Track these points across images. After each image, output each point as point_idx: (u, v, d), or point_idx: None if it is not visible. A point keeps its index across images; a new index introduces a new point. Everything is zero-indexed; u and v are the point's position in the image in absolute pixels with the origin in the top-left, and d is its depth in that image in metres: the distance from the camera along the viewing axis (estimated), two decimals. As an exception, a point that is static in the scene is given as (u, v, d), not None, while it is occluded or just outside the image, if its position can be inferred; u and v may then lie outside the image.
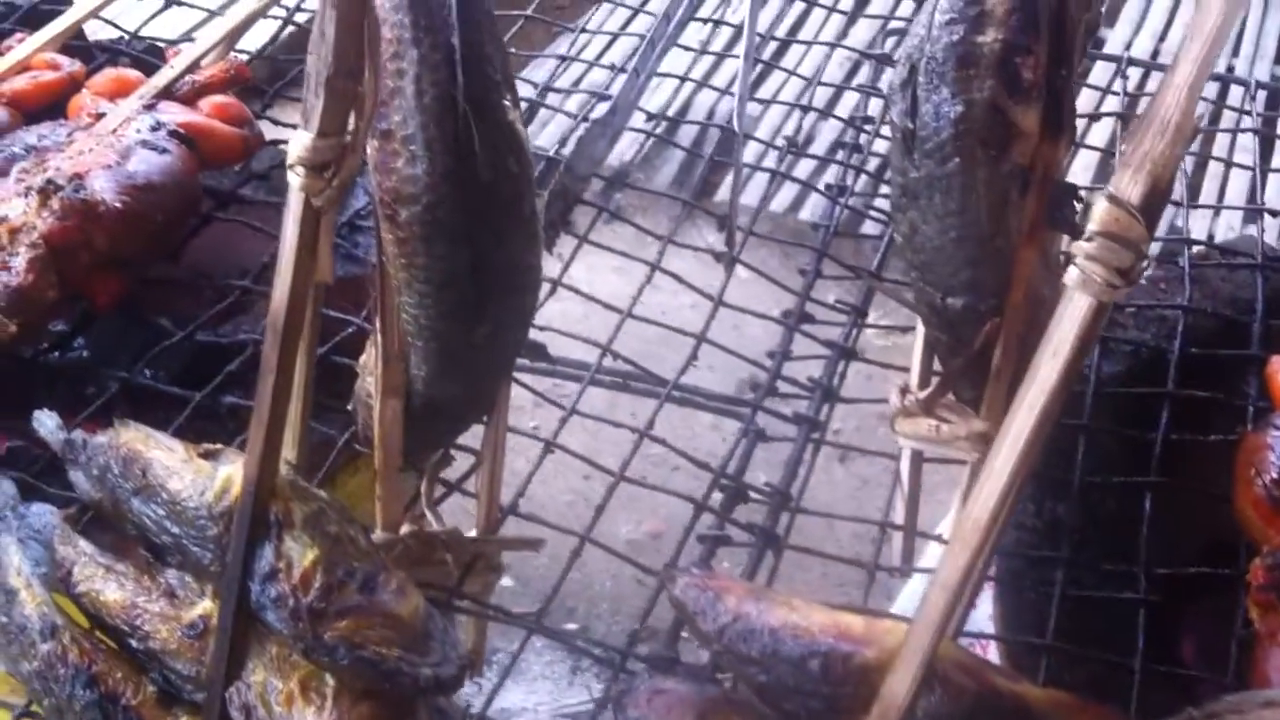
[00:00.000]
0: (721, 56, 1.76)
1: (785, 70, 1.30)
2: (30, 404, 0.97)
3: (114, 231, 0.92)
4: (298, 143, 0.61)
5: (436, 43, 0.71)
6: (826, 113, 1.22)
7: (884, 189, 1.09)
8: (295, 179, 0.62)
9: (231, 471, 0.66)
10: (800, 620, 0.62)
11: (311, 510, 0.65)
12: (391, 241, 0.74)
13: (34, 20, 1.16)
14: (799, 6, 1.37)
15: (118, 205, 0.91)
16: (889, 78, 1.13)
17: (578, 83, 1.78)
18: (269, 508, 0.64)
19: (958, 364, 0.85)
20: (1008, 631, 0.83)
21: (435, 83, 0.71)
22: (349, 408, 0.85)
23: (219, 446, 0.69)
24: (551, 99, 1.23)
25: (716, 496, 0.87)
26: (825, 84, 1.23)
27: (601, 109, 1.08)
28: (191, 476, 0.67)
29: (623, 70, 1.13)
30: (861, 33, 2.03)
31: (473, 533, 0.83)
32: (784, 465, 0.90)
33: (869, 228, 1.12)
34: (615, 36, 1.67)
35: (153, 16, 1.22)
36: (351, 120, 0.63)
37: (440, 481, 0.86)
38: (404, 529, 0.80)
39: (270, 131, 1.10)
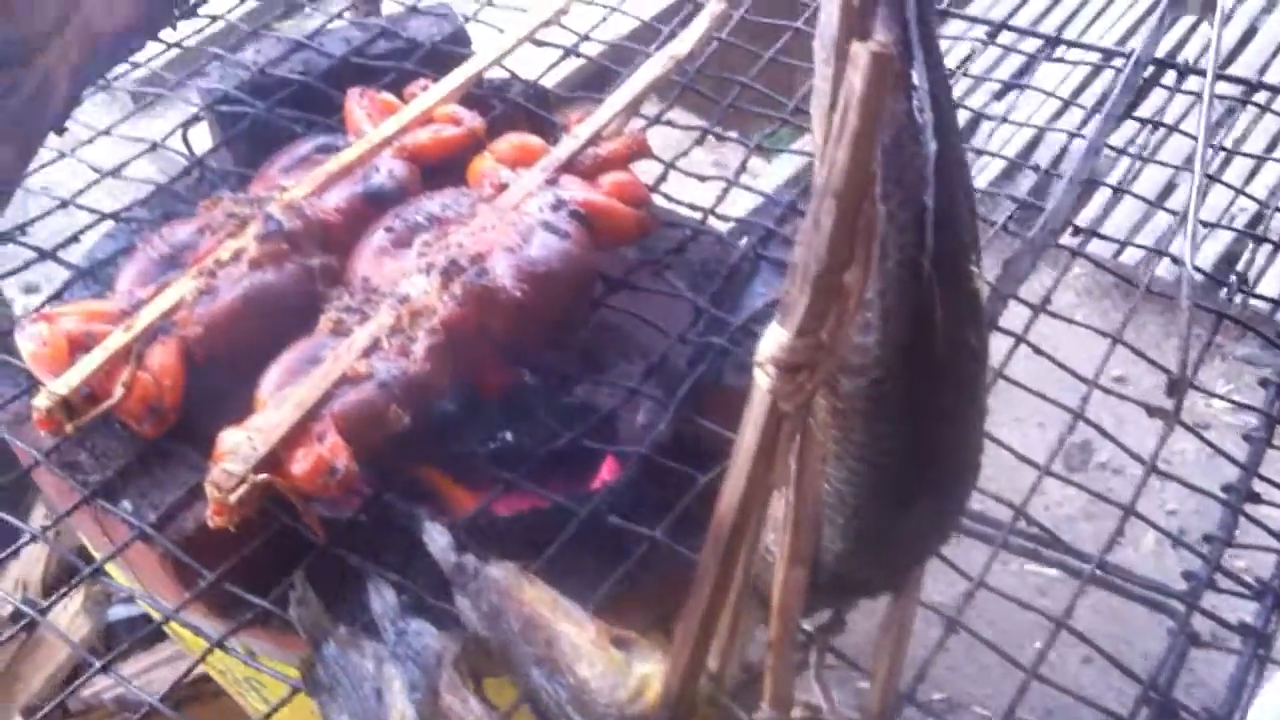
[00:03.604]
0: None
1: (1232, 188, 1.14)
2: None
3: (510, 321, 0.88)
4: (772, 340, 0.54)
5: (907, 199, 0.63)
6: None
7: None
8: (764, 379, 0.55)
9: (649, 672, 0.60)
10: None
11: (730, 736, 0.58)
12: (826, 409, 0.66)
13: (435, 62, 1.13)
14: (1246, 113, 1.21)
15: (517, 294, 0.87)
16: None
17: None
18: (687, 727, 0.58)
19: None
20: None
21: (901, 246, 0.63)
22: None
23: (633, 635, 0.64)
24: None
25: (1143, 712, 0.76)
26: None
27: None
28: (603, 667, 0.62)
29: (1048, 172, 1.02)
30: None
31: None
32: (1220, 677, 0.78)
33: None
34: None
35: (550, 67, 1.18)
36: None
37: (831, 651, 0.79)
38: (795, 713, 0.73)
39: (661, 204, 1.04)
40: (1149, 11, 2.50)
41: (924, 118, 0.63)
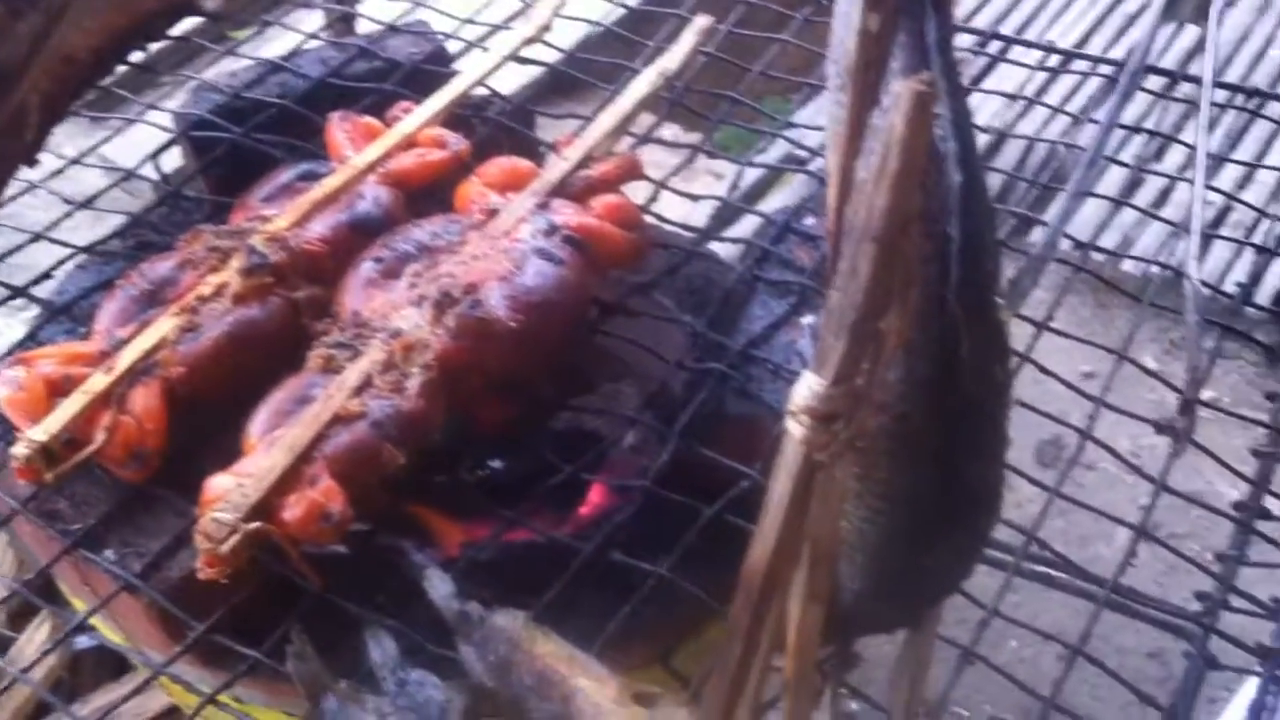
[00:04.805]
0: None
1: (1225, 194, 1.13)
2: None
3: (506, 353, 0.85)
4: (805, 389, 0.52)
5: (931, 231, 0.61)
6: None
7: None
8: (797, 429, 0.52)
9: (674, 730, 0.58)
10: None
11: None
12: (847, 446, 0.64)
13: (416, 82, 1.10)
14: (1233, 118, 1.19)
15: (512, 325, 0.85)
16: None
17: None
18: (718, 788, 0.55)
19: None
20: None
21: (926, 278, 0.61)
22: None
23: (655, 690, 0.61)
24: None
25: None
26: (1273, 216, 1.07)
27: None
28: (625, 726, 0.59)
29: (1046, 185, 1.00)
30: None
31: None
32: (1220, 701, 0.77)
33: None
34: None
35: (538, 92, 1.15)
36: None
37: (846, 686, 0.77)
38: (815, 754, 0.71)
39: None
40: (1107, 14, 2.49)
41: (947, 147, 0.61)
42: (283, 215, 0.93)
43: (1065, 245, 0.97)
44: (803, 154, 1.24)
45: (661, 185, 1.04)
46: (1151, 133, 1.12)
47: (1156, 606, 0.90)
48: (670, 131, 1.66)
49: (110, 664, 1.50)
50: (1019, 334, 0.94)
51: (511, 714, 0.67)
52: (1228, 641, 0.79)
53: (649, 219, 1.02)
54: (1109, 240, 1.95)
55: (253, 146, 1.05)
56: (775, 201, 2.05)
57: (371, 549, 0.86)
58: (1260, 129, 2.02)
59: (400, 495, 0.92)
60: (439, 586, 0.73)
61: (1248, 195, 1.89)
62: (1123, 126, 1.03)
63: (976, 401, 0.63)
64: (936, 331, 0.61)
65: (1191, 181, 0.95)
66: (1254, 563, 0.83)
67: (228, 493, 0.76)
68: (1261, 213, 1.15)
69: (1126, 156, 1.65)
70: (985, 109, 2.17)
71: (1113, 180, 1.88)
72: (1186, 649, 0.79)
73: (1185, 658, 0.78)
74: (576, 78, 1.19)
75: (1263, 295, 1.82)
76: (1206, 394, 1.83)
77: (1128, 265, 1.89)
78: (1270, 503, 0.86)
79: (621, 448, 0.91)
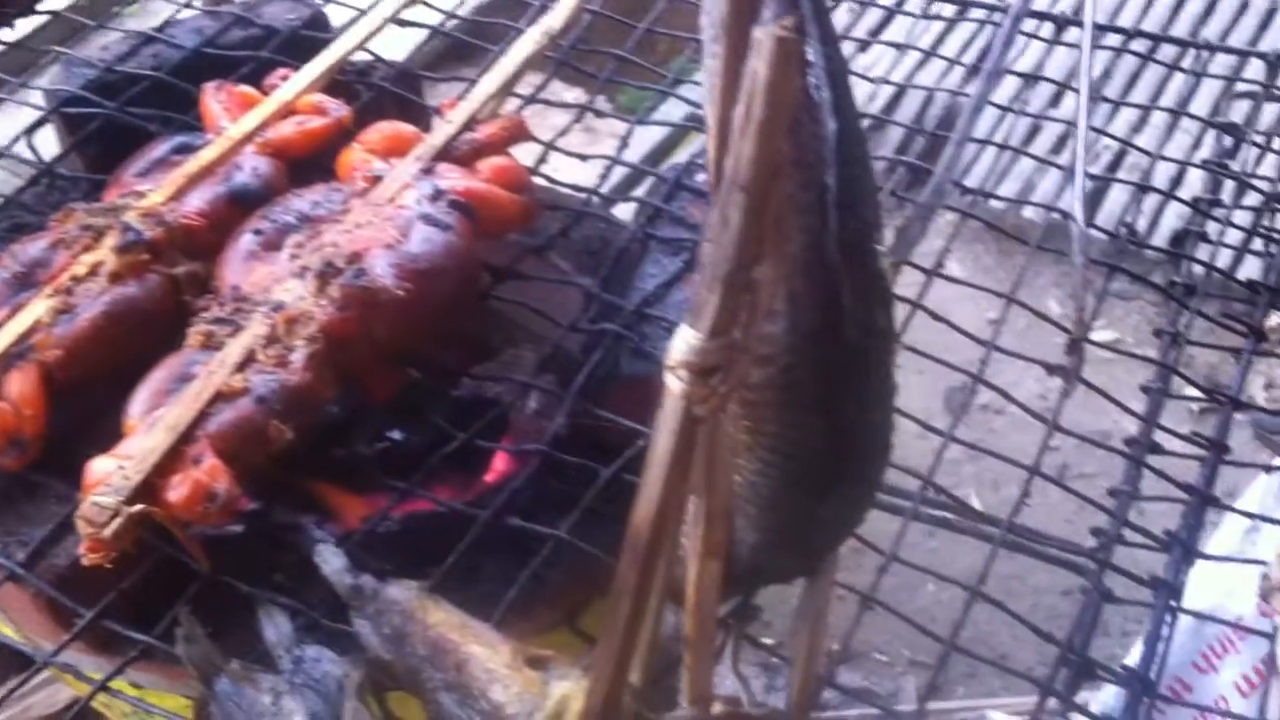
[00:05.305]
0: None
1: (1118, 139, 1.14)
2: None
3: (395, 322, 0.84)
4: (683, 343, 0.51)
5: (809, 180, 0.60)
6: (1168, 193, 1.07)
7: (1241, 291, 0.95)
8: (676, 384, 0.52)
9: (567, 692, 0.57)
10: None
11: (659, 754, 0.56)
12: (735, 400, 0.64)
13: (294, 49, 1.08)
14: (1126, 63, 1.21)
15: (400, 293, 0.83)
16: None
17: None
18: (613, 749, 0.55)
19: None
20: None
21: (805, 228, 0.60)
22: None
23: (548, 654, 0.61)
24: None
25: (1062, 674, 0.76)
26: (1164, 158, 1.08)
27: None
28: (518, 689, 0.59)
29: (934, 134, 1.00)
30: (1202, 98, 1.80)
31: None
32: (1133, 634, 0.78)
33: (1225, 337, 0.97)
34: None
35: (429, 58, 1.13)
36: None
37: (747, 639, 0.77)
38: (715, 708, 0.71)
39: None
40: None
41: (821, 95, 0.60)
42: (158, 190, 0.90)
43: (957, 193, 0.97)
44: (704, 113, 1.24)
45: (550, 146, 1.02)
46: (1038, 78, 1.12)
47: (1055, 545, 0.91)
48: (573, 94, 1.65)
49: (17, 658, 1.46)
50: (914, 282, 0.94)
51: (408, 685, 0.66)
52: (1122, 575, 0.81)
53: (541, 181, 1.01)
54: (1010, 188, 1.97)
55: (127, 121, 1.02)
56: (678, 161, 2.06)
57: (267, 527, 0.84)
58: (1153, 73, 2.04)
59: (298, 471, 0.91)
60: (331, 561, 0.72)
61: (1142, 139, 1.92)
62: (1010, 73, 1.04)
63: (861, 350, 0.63)
64: (818, 281, 0.61)
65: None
66: (1147, 496, 0.84)
67: (109, 476, 0.74)
68: (1151, 155, 1.16)
69: (1030, 105, 1.67)
70: (883, 61, 2.18)
71: (1015, 129, 1.89)
72: (1084, 585, 0.80)
73: (1082, 593, 0.79)
74: (472, 43, 1.16)
75: (1159, 237, 1.85)
76: (1109, 334, 1.89)
77: (1029, 212, 1.91)
78: (1161, 437, 0.87)
79: (521, 412, 0.90)
